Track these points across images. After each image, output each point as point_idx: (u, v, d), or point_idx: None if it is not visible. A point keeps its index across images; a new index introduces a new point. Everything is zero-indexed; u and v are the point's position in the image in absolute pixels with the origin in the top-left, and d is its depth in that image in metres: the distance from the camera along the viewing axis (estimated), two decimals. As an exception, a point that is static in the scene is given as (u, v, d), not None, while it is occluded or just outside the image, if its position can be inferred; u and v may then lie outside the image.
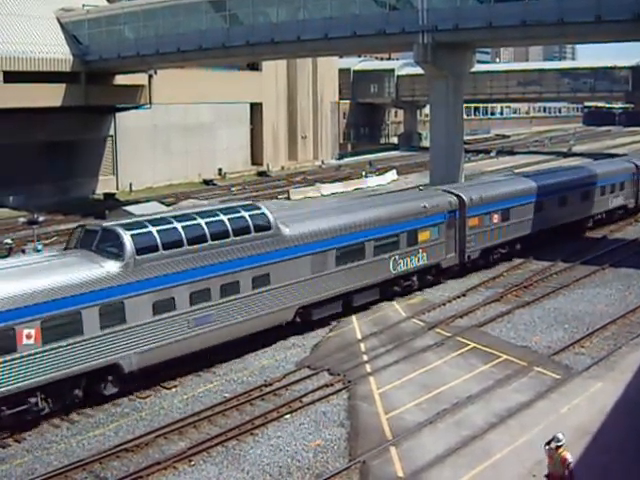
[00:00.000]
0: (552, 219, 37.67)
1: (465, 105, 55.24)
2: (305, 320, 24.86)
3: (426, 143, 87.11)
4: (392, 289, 28.39)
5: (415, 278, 29.44)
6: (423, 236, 29.27)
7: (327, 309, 25.55)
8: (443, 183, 37.76)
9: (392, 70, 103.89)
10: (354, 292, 26.49)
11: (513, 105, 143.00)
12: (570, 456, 14.03)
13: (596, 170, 43.65)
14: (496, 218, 33.37)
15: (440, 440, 17.38)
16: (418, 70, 53.82)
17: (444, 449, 16.91)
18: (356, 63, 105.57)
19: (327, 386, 20.73)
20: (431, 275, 30.40)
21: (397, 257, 28.02)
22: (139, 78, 58.49)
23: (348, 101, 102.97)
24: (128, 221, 21.73)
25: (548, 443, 14.11)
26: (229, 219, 22.80)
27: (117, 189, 62.10)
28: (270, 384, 20.99)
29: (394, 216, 28.23)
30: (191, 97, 67.53)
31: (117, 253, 19.95)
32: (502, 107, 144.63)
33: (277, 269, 23.55)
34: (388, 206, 29.25)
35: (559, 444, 13.92)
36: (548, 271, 33.19)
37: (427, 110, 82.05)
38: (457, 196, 31.47)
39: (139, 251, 20.09)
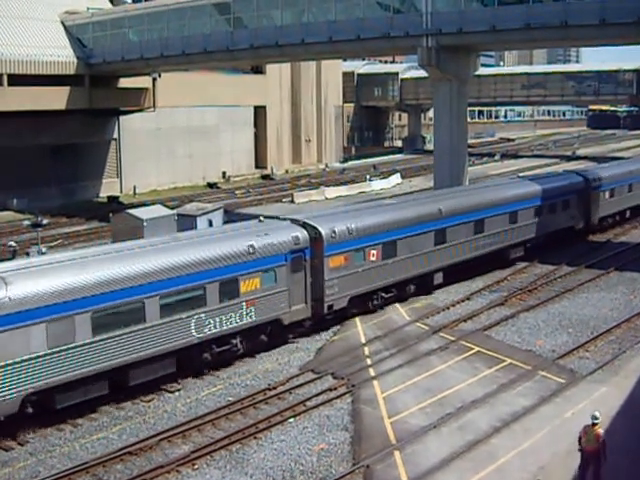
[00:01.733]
0: (460, 252, 31.03)
1: (469, 108, 55.25)
2: (46, 409, 18.70)
3: (430, 146, 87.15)
4: (200, 357, 21.84)
5: (238, 340, 22.69)
6: (248, 285, 22.58)
7: (80, 393, 19.06)
8: (448, 186, 37.75)
9: (396, 73, 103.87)
10: (129, 367, 19.96)
11: (517, 108, 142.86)
12: (603, 432, 15.30)
13: (528, 188, 36.83)
14: (374, 255, 26.98)
15: (444, 444, 17.33)
16: (422, 73, 53.95)
17: (448, 453, 16.86)
18: (360, 66, 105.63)
19: (331, 390, 20.70)
20: (266, 335, 23.54)
21: (203, 316, 21.41)
22: (143, 81, 58.56)
23: (352, 104, 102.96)
24: None
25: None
26: None
27: (121, 192, 62.14)
28: (274, 388, 20.96)
29: (198, 261, 21.31)
30: (195, 100, 67.59)
31: None
32: (506, 110, 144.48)
33: None
34: (188, 249, 21.79)
35: (595, 421, 15.25)
36: (552, 275, 33.11)
37: (431, 113, 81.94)
38: (312, 228, 24.86)
39: None
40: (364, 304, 27.00)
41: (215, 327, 21.74)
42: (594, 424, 15.27)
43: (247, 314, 22.51)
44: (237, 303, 22.23)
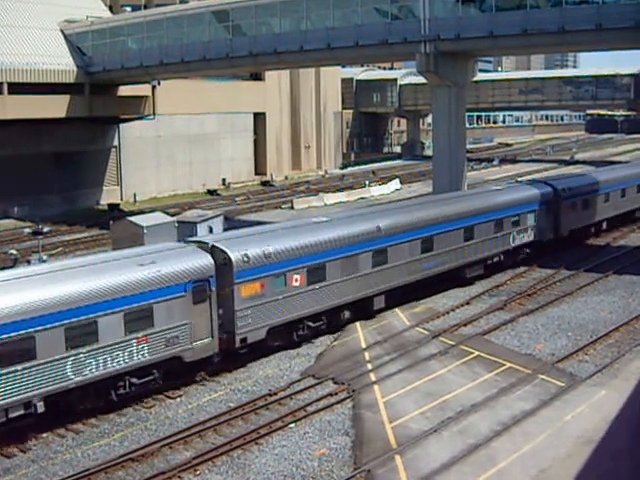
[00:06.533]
0: (405, 273, 28.40)
1: (468, 114, 55.39)
2: None
3: (429, 152, 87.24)
4: (78, 404, 19.54)
5: (128, 383, 20.16)
6: (138, 321, 20.11)
7: None
8: (446, 191, 37.83)
9: (395, 79, 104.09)
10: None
11: (515, 113, 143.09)
12: None
13: (487, 200, 34.13)
14: (298, 280, 24.22)
15: (445, 448, 17.40)
16: (421, 79, 54.06)
17: (449, 457, 16.93)
18: (359, 73, 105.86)
19: (332, 395, 20.77)
20: (164, 374, 20.97)
21: (82, 356, 18.94)
22: (143, 89, 58.73)
23: (351, 111, 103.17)
24: None
25: None
26: None
27: (121, 199, 62.23)
28: (275, 393, 21.03)
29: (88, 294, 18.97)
30: (195, 108, 67.80)
31: None
32: (504, 115, 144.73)
33: None
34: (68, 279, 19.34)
35: None
36: (551, 279, 33.19)
37: (430, 119, 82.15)
38: (221, 253, 22.35)
39: None
40: (287, 335, 24.32)
41: (98, 368, 19.28)
42: None
43: (138, 352, 20.17)
44: (129, 340, 19.82)
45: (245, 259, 22.56)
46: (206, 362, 22.08)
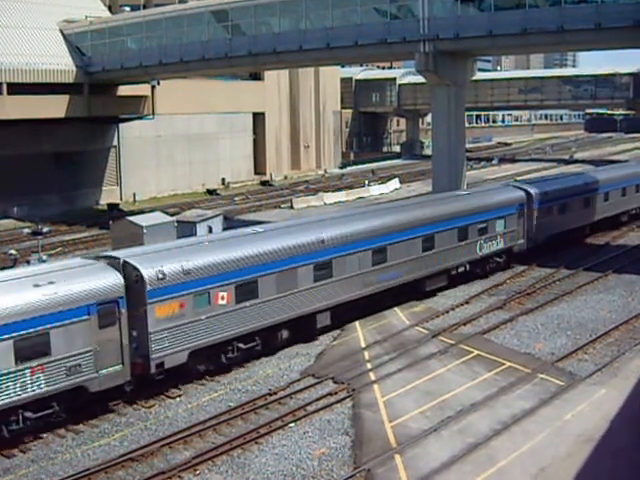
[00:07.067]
0: (354, 287, 26.19)
1: (467, 113, 55.38)
2: None
3: (428, 151, 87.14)
4: None
5: (21, 417, 18.24)
6: (32, 349, 18.10)
7: None
8: (446, 190, 37.77)
9: (394, 79, 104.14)
10: None
11: (515, 113, 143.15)
12: None
13: (449, 206, 31.91)
14: (224, 298, 22.09)
15: (445, 447, 17.41)
16: (420, 79, 54.01)
17: (449, 456, 16.94)
18: (358, 72, 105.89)
19: (331, 394, 20.78)
20: (61, 407, 19.04)
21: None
22: (142, 89, 58.73)
23: (350, 110, 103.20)
24: None
25: None
26: None
27: (121, 199, 62.24)
28: (274, 393, 21.04)
29: None
30: (194, 107, 67.78)
31: None
32: (504, 115, 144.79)
33: None
34: None
35: None
36: (551, 278, 33.21)
37: (429, 118, 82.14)
38: (133, 269, 20.28)
39: None
40: (214, 358, 22.27)
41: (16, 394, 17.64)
42: None
43: (33, 383, 18.15)
44: (17, 371, 17.83)
45: (160, 276, 20.42)
46: (117, 391, 20.12)
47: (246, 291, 22.56)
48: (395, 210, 30.70)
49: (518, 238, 34.74)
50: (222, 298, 21.95)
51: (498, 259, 33.99)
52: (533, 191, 36.06)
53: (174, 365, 20.94)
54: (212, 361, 22.29)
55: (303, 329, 24.92)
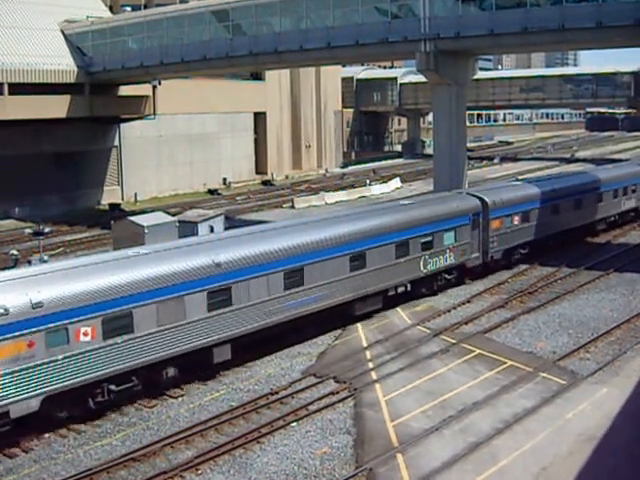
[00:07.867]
0: (261, 316, 22.91)
1: (468, 112, 55.38)
2: None
3: (430, 150, 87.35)
4: None
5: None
6: None
7: None
8: (447, 189, 37.71)
9: (395, 78, 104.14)
10: None
11: (516, 112, 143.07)
12: None
13: (385, 218, 28.32)
14: (88, 334, 18.88)
15: (446, 447, 17.42)
16: (421, 78, 54.01)
17: (450, 455, 16.94)
18: (359, 72, 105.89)
19: (333, 394, 20.78)
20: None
21: None
22: (143, 89, 58.76)
23: (351, 110, 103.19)
24: None
25: None
26: None
27: (122, 199, 62.27)
28: (276, 392, 21.05)
29: None
30: (195, 107, 67.82)
31: None
32: (505, 114, 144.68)
33: None
34: None
35: None
36: (552, 277, 33.21)
37: (430, 118, 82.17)
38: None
39: None
40: (80, 403, 19.32)
41: None
42: None
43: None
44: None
45: (3, 312, 17.32)
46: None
47: (117, 325, 19.40)
48: (316, 225, 26.87)
49: (472, 252, 31.61)
50: (85, 334, 18.75)
51: (447, 276, 30.79)
52: (489, 199, 32.77)
53: (22, 415, 17.89)
54: (77, 406, 19.29)
55: (197, 365, 21.86)
